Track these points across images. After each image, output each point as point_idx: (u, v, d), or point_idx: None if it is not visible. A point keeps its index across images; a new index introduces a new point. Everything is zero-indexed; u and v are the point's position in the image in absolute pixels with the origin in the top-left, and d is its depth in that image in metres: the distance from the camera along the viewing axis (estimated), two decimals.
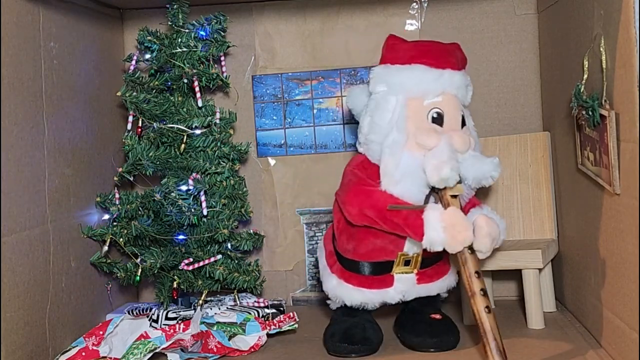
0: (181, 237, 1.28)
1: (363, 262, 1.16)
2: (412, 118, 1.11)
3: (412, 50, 1.15)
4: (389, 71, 1.14)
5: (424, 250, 1.09)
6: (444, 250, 1.07)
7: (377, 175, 1.11)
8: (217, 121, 1.31)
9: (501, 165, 1.12)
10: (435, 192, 1.09)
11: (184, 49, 1.29)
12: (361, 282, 1.16)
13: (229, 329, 1.19)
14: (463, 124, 1.14)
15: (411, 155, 1.09)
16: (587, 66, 1.06)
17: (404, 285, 1.16)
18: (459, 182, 1.07)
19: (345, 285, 1.17)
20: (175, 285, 1.28)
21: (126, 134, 1.30)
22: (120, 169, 1.30)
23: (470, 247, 1.05)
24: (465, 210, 1.12)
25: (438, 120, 1.12)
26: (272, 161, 1.47)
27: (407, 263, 1.14)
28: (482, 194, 1.36)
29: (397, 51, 1.15)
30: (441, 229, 1.04)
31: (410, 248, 1.13)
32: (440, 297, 1.24)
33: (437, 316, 1.18)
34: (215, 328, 1.19)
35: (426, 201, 1.09)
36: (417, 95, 1.12)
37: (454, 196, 1.07)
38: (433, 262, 1.17)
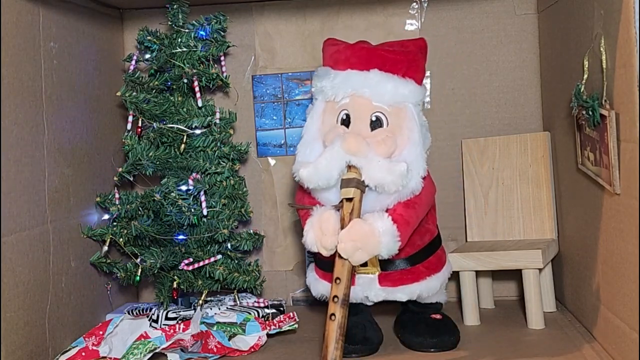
0: (181, 237, 1.29)
1: (319, 259, 1.17)
2: (327, 120, 1.13)
3: (324, 54, 1.19)
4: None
5: None
6: (422, 256, 1.14)
7: None
8: (217, 121, 1.31)
9: (406, 177, 1.05)
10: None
11: (184, 49, 1.29)
12: (323, 275, 1.18)
13: (229, 329, 1.19)
14: (378, 125, 1.11)
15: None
16: (587, 66, 1.06)
17: (364, 285, 1.14)
18: (357, 186, 1.03)
19: (312, 275, 1.21)
20: (175, 285, 1.28)
21: (126, 134, 1.30)
22: (120, 169, 1.30)
23: None
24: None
25: (346, 121, 1.12)
26: (272, 161, 1.47)
27: (363, 264, 1.09)
28: (483, 194, 1.36)
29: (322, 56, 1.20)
30: (312, 231, 1.05)
31: None
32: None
33: (437, 316, 1.18)
34: (215, 328, 1.19)
35: (340, 206, 1.06)
36: (330, 97, 1.14)
37: (349, 199, 1.04)
38: (403, 265, 1.14)
